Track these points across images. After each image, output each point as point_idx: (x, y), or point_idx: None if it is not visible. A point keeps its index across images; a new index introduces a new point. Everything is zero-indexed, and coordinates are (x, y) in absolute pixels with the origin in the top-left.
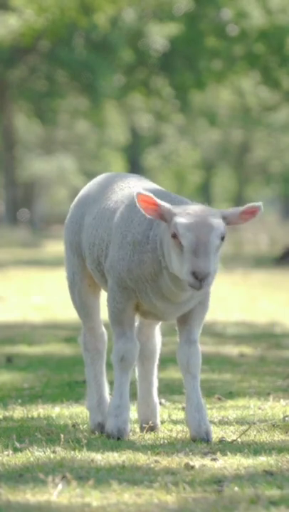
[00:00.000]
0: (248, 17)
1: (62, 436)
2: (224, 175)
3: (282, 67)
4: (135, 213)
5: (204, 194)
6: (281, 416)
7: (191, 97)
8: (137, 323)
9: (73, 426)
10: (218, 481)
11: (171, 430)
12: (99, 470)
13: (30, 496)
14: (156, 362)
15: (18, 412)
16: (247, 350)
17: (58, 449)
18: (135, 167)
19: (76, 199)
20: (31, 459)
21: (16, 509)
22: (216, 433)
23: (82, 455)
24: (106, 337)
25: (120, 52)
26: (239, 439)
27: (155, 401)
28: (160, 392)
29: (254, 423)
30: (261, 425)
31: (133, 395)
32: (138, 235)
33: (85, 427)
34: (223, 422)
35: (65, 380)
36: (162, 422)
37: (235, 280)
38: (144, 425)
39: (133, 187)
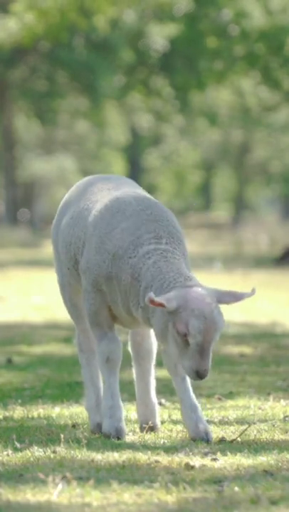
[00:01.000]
0: (249, 17)
1: (62, 436)
2: (224, 175)
3: (282, 68)
4: (117, 221)
5: (204, 194)
6: (281, 416)
7: (191, 98)
8: None
9: (73, 426)
10: (218, 481)
11: (171, 430)
12: (99, 470)
13: (30, 495)
14: (153, 362)
15: (18, 412)
16: (247, 350)
17: (58, 449)
18: (135, 167)
19: (61, 203)
20: (31, 458)
21: (15, 509)
22: (216, 433)
23: (83, 455)
24: None
25: (120, 52)
26: (239, 439)
27: (153, 401)
28: (160, 393)
29: (254, 423)
30: (261, 425)
31: (132, 396)
32: (119, 249)
33: (85, 427)
34: (223, 422)
35: (65, 380)
36: (162, 422)
37: (235, 280)
38: (143, 425)
39: (112, 188)
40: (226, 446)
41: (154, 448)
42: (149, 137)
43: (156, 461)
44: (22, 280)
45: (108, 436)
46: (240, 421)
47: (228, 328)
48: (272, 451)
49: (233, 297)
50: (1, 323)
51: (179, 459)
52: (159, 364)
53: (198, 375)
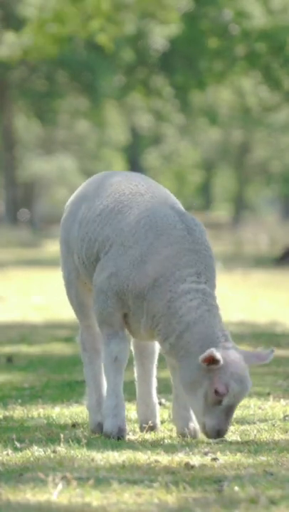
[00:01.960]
0: (249, 17)
1: (62, 435)
2: (224, 175)
3: (283, 68)
4: (161, 246)
5: (204, 194)
6: (281, 416)
7: (191, 97)
8: None
9: (73, 425)
10: (218, 480)
11: (171, 430)
12: (99, 470)
13: (30, 495)
14: (155, 362)
15: (18, 411)
16: (247, 349)
17: (58, 448)
18: (135, 167)
19: (72, 198)
20: (31, 458)
21: (15, 509)
22: None
23: (83, 455)
24: None
25: (120, 52)
26: (239, 439)
27: (154, 401)
28: (160, 392)
29: (254, 423)
30: (261, 425)
31: (132, 395)
32: (161, 277)
33: (85, 426)
34: None
35: (65, 379)
36: (162, 422)
37: (235, 280)
38: (143, 425)
39: (145, 193)
40: (226, 445)
41: (154, 448)
42: (149, 137)
43: (156, 461)
44: (22, 280)
45: (109, 436)
46: (240, 420)
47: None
48: (272, 450)
49: (258, 358)
50: (1, 323)
51: (179, 458)
52: (161, 364)
53: (219, 434)
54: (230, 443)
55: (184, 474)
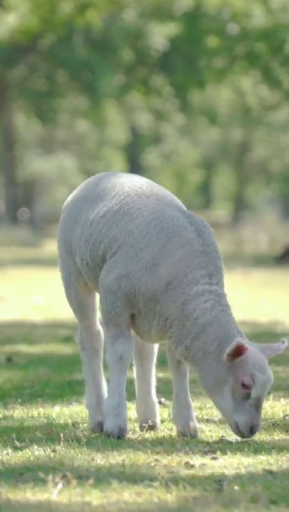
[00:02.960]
0: (249, 16)
1: (62, 435)
2: (224, 174)
3: (282, 67)
4: (174, 248)
5: (204, 193)
6: (281, 415)
7: (191, 97)
8: None
9: (73, 425)
10: (218, 479)
11: (171, 429)
12: (99, 469)
13: (30, 495)
14: (155, 361)
15: (18, 411)
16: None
17: (58, 448)
18: (135, 166)
19: (71, 198)
20: (31, 458)
21: (15, 508)
22: (216, 432)
23: (83, 454)
24: (102, 335)
25: (120, 51)
26: (239, 438)
27: (154, 400)
28: (160, 392)
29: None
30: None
31: (132, 394)
32: (175, 280)
33: (85, 425)
34: (223, 421)
35: (65, 379)
36: (162, 421)
37: (235, 279)
38: (143, 424)
39: (151, 195)
40: (226, 445)
41: (153, 447)
42: (149, 136)
43: (156, 460)
44: (22, 280)
45: (109, 435)
46: None
47: None
48: (272, 450)
49: (272, 350)
50: (1, 322)
51: (179, 457)
52: (159, 364)
53: (252, 430)
54: (230, 442)
55: (184, 473)
